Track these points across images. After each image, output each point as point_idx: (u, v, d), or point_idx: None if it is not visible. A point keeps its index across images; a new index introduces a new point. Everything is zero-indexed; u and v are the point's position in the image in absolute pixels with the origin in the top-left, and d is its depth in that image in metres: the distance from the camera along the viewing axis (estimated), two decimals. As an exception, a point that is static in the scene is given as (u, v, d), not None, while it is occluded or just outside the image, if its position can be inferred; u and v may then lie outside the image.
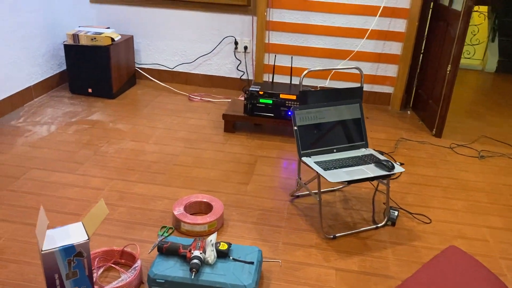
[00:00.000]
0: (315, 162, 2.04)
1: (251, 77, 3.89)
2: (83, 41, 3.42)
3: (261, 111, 3.04)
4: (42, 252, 1.32)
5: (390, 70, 3.66)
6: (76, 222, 2.09)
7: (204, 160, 2.74)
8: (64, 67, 3.83)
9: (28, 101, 3.43)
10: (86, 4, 3.85)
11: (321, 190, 2.41)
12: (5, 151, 2.69)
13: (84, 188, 2.37)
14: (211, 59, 3.90)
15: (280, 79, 3.78)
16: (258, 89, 3.01)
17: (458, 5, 3.00)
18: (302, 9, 3.56)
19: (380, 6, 3.43)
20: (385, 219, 2.19)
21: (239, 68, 3.87)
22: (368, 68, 3.67)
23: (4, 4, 3.06)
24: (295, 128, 2.09)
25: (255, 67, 3.77)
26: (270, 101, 3.01)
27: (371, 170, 1.99)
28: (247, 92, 3.01)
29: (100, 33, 3.44)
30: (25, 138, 2.87)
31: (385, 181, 2.16)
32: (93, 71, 3.51)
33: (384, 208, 2.31)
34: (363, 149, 2.22)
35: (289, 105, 2.99)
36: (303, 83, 3.71)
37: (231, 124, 3.13)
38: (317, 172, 1.98)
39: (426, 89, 3.48)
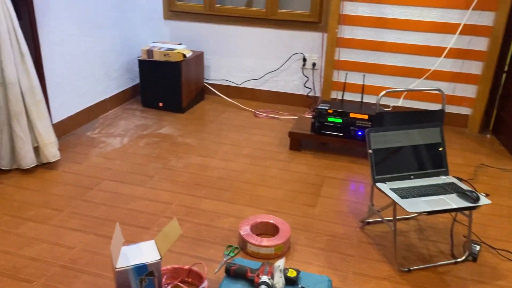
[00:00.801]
0: (391, 189, 1.93)
1: (318, 94, 3.82)
2: (157, 57, 3.54)
3: (330, 130, 2.95)
4: (116, 269, 1.33)
5: (469, 90, 3.43)
6: (145, 235, 2.12)
7: (269, 179, 2.70)
8: (137, 81, 3.98)
9: (103, 113, 3.58)
10: (160, 21, 3.98)
11: (391, 218, 2.27)
12: (81, 162, 2.81)
13: (154, 201, 2.41)
14: (278, 76, 3.89)
15: (349, 97, 3.68)
16: (327, 107, 2.93)
17: (551, 23, 2.75)
18: (375, 26, 3.45)
19: (460, 24, 3.24)
20: (466, 254, 2.01)
21: (306, 85, 3.81)
22: (444, 87, 3.47)
23: (87, 21, 3.23)
24: (370, 151, 1.99)
25: (323, 84, 3.70)
26: (339, 120, 2.92)
27: (453, 201, 1.84)
28: (315, 110, 2.94)
29: (173, 49, 3.54)
30: (99, 150, 2.99)
31: (467, 213, 2.00)
32: (164, 86, 3.61)
33: (464, 241, 2.13)
34: (443, 177, 2.07)
35: (360, 124, 2.88)
36: (374, 102, 3.58)
37: (297, 142, 3.07)
38: (393, 200, 1.86)
39: (509, 111, 3.22)
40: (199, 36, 3.94)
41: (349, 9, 3.46)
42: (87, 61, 3.30)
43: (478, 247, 2.05)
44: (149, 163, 2.83)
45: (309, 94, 3.84)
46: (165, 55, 3.52)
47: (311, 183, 2.66)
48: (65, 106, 3.15)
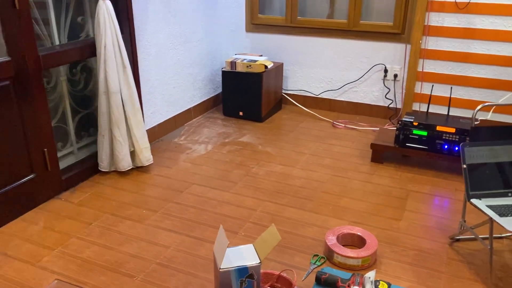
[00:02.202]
0: (487, 206, 1.86)
1: (399, 106, 3.75)
2: (239, 68, 3.67)
3: (414, 142, 2.90)
4: (220, 270, 1.41)
5: None
6: (234, 239, 2.21)
7: (351, 190, 2.70)
8: (218, 91, 4.15)
9: (188, 121, 3.78)
10: (242, 34, 4.14)
11: (484, 236, 2.19)
12: (171, 166, 2.99)
13: (239, 207, 2.51)
14: (357, 87, 3.87)
15: (432, 109, 3.58)
16: (412, 120, 2.88)
17: None
18: (461, 37, 3.34)
19: (560, 33, 3.06)
20: None
21: (387, 96, 3.77)
22: (538, 101, 3.28)
23: (178, 35, 3.44)
24: (464, 166, 1.94)
25: (405, 95, 3.64)
26: (424, 133, 2.85)
27: (558, 222, 1.75)
28: (400, 121, 2.90)
29: (255, 61, 3.66)
30: (186, 155, 3.16)
31: None
32: (245, 95, 3.74)
33: None
34: (544, 196, 1.96)
35: (446, 138, 2.80)
36: (459, 115, 3.45)
37: (380, 154, 3.04)
38: (490, 217, 1.80)
39: None
40: (279, 47, 4.03)
41: (435, 20, 3.38)
42: (176, 72, 3.51)
43: None
44: (233, 170, 2.94)
45: (390, 106, 3.78)
46: (247, 66, 3.64)
47: (395, 196, 2.63)
48: (156, 114, 3.36)
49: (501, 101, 3.33)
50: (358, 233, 2.12)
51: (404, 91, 3.66)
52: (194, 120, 3.84)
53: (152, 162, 2.94)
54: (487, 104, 2.01)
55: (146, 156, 2.86)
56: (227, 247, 1.44)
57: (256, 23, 4.03)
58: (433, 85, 3.21)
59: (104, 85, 2.66)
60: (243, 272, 1.44)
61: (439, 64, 3.48)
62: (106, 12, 2.55)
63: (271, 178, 2.84)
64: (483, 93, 3.40)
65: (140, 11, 3.01)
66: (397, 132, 2.94)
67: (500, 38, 3.24)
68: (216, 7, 3.92)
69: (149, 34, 3.13)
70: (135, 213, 2.44)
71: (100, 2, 2.54)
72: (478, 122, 3.38)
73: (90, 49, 2.69)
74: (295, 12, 3.85)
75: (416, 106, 3.66)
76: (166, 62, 3.38)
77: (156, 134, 3.39)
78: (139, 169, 2.92)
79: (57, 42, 2.65)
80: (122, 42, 2.65)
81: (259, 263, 1.45)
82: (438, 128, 2.81)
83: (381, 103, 3.84)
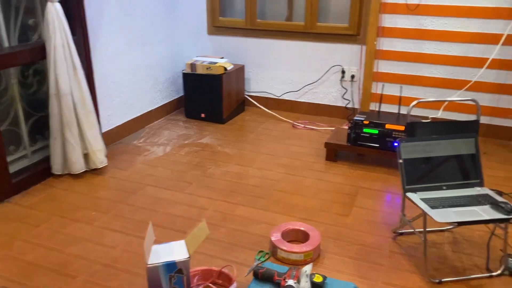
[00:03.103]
0: (421, 199, 1.92)
1: (357, 106, 3.83)
2: (199, 70, 3.70)
3: (366, 141, 2.96)
4: (148, 265, 1.43)
5: (514, 102, 3.33)
6: (182, 238, 2.22)
7: (304, 188, 2.74)
8: (181, 94, 4.17)
9: (149, 123, 3.78)
10: (204, 36, 4.16)
11: (428, 229, 2.25)
12: (126, 168, 2.99)
13: (191, 206, 2.52)
14: (317, 88, 3.94)
15: (388, 108, 3.67)
16: (363, 119, 2.95)
17: None
18: (414, 38, 3.43)
19: (503, 34, 3.17)
20: (502, 268, 1.96)
21: (345, 96, 3.84)
22: (487, 99, 3.38)
23: (137, 37, 3.44)
24: (400, 161, 2.00)
25: (362, 96, 3.71)
26: (375, 131, 2.92)
27: (485, 212, 1.82)
28: (351, 121, 2.97)
29: (215, 63, 3.69)
30: (144, 157, 3.16)
31: (502, 225, 1.95)
32: (206, 97, 3.76)
33: (501, 255, 2.07)
34: (478, 188, 2.03)
35: (396, 135, 2.88)
36: (412, 114, 3.54)
37: (333, 153, 3.10)
38: (422, 210, 1.86)
39: (558, 124, 3.09)
40: (240, 50, 4.07)
41: (388, 21, 3.47)
42: (135, 74, 3.51)
43: (515, 262, 1.99)
44: (189, 171, 2.96)
45: (348, 106, 3.86)
46: (207, 68, 3.67)
47: (345, 193, 2.68)
48: (114, 117, 3.36)
49: (450, 98, 3.43)
50: (302, 228, 2.15)
51: (361, 91, 3.74)
52: (155, 122, 3.85)
53: (107, 164, 2.94)
54: (421, 100, 2.07)
55: (99, 158, 2.86)
56: (159, 243, 1.46)
57: (218, 25, 4.07)
58: (383, 84, 3.29)
59: (54, 87, 2.65)
60: (172, 268, 1.45)
61: (394, 64, 3.56)
62: (55, 14, 2.54)
63: (227, 178, 2.87)
64: (435, 92, 3.50)
65: (95, 13, 3.01)
66: (349, 131, 3.00)
67: (450, 38, 3.34)
68: (177, 10, 3.94)
69: (104, 36, 3.13)
70: (85, 215, 2.43)
71: (49, 5, 2.54)
72: (429, 120, 3.47)
73: (41, 51, 2.68)
74: (254, 14, 3.90)
75: (373, 106, 3.73)
76: (124, 65, 3.38)
77: (115, 136, 3.38)
78: (93, 171, 2.91)
79: (6, 45, 2.63)
80: (72, 43, 2.64)
81: (188, 258, 1.47)
82: (388, 126, 2.88)
83: (339, 104, 3.91)
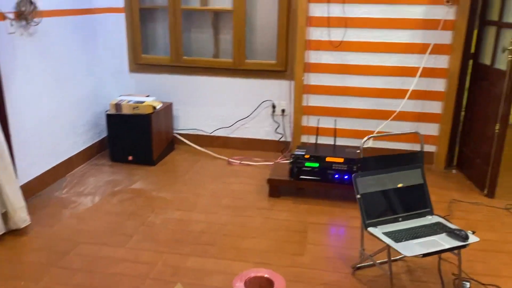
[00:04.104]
0: (383, 233, 1.94)
1: (289, 139, 3.87)
2: (125, 110, 3.48)
3: (307, 174, 2.98)
4: None
5: (432, 129, 3.60)
6: (133, 302, 1.99)
7: (253, 229, 2.65)
8: (103, 136, 3.88)
9: (70, 171, 3.43)
10: (125, 74, 3.96)
11: (384, 260, 2.28)
12: (53, 224, 2.65)
13: (136, 263, 2.29)
14: (248, 123, 3.92)
15: (319, 140, 3.75)
16: (303, 153, 2.97)
17: (502, 65, 2.98)
18: (339, 73, 3.59)
19: (419, 67, 3.44)
20: (458, 292, 2.04)
21: (277, 130, 3.86)
22: (408, 127, 3.63)
23: (55, 77, 3.15)
24: (358, 196, 2.02)
25: (294, 129, 3.76)
26: (316, 165, 2.95)
27: (444, 241, 1.88)
28: (292, 155, 2.97)
29: (142, 102, 3.50)
30: (71, 210, 2.84)
31: (455, 251, 2.04)
32: (134, 139, 3.53)
33: (454, 279, 2.16)
34: (429, 217, 2.12)
35: (336, 168, 2.93)
36: (339, 143, 3.66)
37: (276, 189, 3.06)
38: (387, 244, 1.88)
39: (471, 147, 3.40)
40: (166, 87, 3.93)
41: (314, 57, 3.59)
42: (54, 117, 3.19)
43: (468, 284, 2.08)
44: (126, 221, 2.71)
45: (281, 140, 3.88)
46: (134, 108, 3.47)
47: (295, 231, 2.64)
48: (32, 167, 2.99)
49: (379, 128, 3.62)
50: (266, 275, 2.05)
51: (292, 125, 3.79)
52: (77, 169, 3.51)
53: (30, 222, 2.58)
54: (373, 136, 2.13)
55: (21, 217, 2.50)
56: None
57: (140, 63, 3.89)
58: (319, 119, 3.37)
59: (-37, 140, 2.29)
60: None
61: (322, 98, 3.68)
62: (-38, 56, 2.22)
63: (170, 226, 2.68)
64: (362, 122, 3.67)
65: (7, 55, 2.69)
66: (290, 165, 3.00)
67: (372, 72, 3.55)
68: (96, 48, 3.70)
69: (19, 79, 2.81)
70: (11, 286, 2.08)
71: (-45, 45, 2.21)
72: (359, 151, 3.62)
73: None
74: (180, 51, 3.80)
75: (304, 138, 3.80)
76: (42, 108, 3.06)
77: (33, 189, 3.01)
78: (14, 232, 2.53)
79: None
80: (-15, 89, 2.32)
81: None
82: (328, 159, 2.93)
83: (272, 137, 3.92)
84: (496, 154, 3.00)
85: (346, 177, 2.93)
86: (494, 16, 3.14)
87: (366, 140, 2.11)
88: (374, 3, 3.39)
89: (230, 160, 3.74)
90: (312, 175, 2.97)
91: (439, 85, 3.49)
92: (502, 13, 3.00)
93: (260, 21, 3.78)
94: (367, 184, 2.04)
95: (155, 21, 3.96)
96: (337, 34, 3.50)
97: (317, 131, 3.10)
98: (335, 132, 3.06)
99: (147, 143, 3.53)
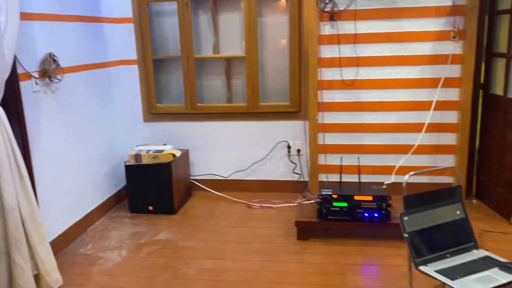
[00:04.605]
0: (436, 271, 1.92)
1: (306, 179, 3.87)
2: (145, 160, 3.47)
3: (336, 215, 2.97)
4: None
5: (448, 161, 3.64)
6: None
7: (289, 274, 2.61)
8: (120, 187, 3.84)
9: (91, 225, 3.37)
10: (140, 124, 3.97)
11: (430, 298, 2.25)
12: (84, 283, 2.57)
13: (179, 319, 2.22)
14: (264, 164, 3.93)
15: (335, 178, 3.76)
16: (331, 193, 2.97)
17: (516, 94, 3.07)
18: (353, 110, 3.65)
19: (432, 101, 3.52)
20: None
21: (295, 171, 3.87)
22: (425, 160, 3.66)
23: (75, 133, 3.14)
24: (406, 235, 2.01)
25: (310, 168, 3.77)
26: (345, 204, 2.95)
27: (499, 275, 1.87)
28: (320, 196, 2.97)
29: (161, 151, 3.50)
30: (100, 266, 2.77)
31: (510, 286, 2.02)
32: (154, 188, 3.50)
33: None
34: (475, 251, 2.11)
35: (365, 206, 2.93)
36: (375, 182, 3.64)
37: (305, 231, 3.04)
38: (442, 282, 1.85)
39: (490, 176, 3.44)
40: (181, 134, 3.95)
41: (327, 96, 3.66)
42: (76, 173, 3.17)
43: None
44: (159, 275, 2.65)
45: (299, 180, 3.88)
46: (154, 157, 3.46)
47: (332, 273, 2.60)
48: (56, 225, 2.94)
49: (400, 162, 3.65)
50: (319, 324, 2.01)
51: (308, 164, 3.81)
52: (97, 223, 3.45)
53: (62, 283, 2.50)
54: (416, 172, 2.15)
55: (54, 278, 2.43)
56: None
57: (155, 112, 3.92)
58: (342, 157, 3.39)
59: (-3, 202, 2.25)
60: None
61: (337, 136, 3.72)
62: (-4, 119, 2.21)
63: (204, 276, 2.62)
64: (379, 158, 3.70)
65: (33, 113, 2.70)
66: (318, 206, 2.98)
67: (385, 108, 3.62)
68: (111, 99, 3.73)
69: (43, 137, 2.80)
70: None
71: (-12, 108, 2.21)
72: (385, 187, 3.63)
73: (-25, 161, 2.28)
74: (195, 99, 3.85)
75: (322, 177, 3.80)
76: (64, 164, 3.04)
77: (57, 247, 2.93)
78: (46, 295, 2.46)
79: None
80: (18, 150, 2.31)
81: None
82: (356, 197, 2.93)
83: (288, 178, 3.92)
84: (519, 182, 3.04)
85: (376, 215, 2.92)
86: (502, 48, 3.26)
87: (408, 178, 2.12)
88: (383, 42, 3.50)
89: (250, 203, 3.72)
90: (341, 215, 2.96)
91: (452, 117, 3.57)
92: (510, 46, 3.11)
93: (272, 64, 3.86)
94: (413, 222, 2.04)
95: (168, 71, 4.02)
96: (349, 73, 3.59)
97: (341, 170, 3.11)
98: (359, 170, 3.07)
99: (168, 191, 3.50)
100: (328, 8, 3.49)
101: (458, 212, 2.15)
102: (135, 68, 3.88)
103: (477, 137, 3.64)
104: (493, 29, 3.36)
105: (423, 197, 2.14)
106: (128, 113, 3.94)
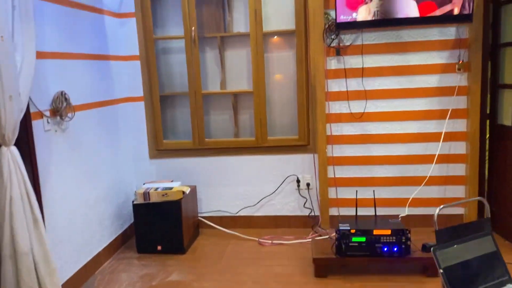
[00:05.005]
0: (476, 309, 1.86)
1: (317, 213, 3.81)
2: (154, 198, 3.38)
3: (355, 250, 2.90)
4: None
5: (459, 192, 3.63)
6: None
7: (313, 314, 2.51)
8: (125, 226, 3.73)
9: (99, 267, 3.24)
10: (146, 161, 3.91)
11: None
12: (98, 332, 2.44)
13: None
14: (273, 199, 3.86)
15: (346, 212, 3.72)
16: (348, 228, 2.91)
17: (525, 124, 3.10)
18: (362, 143, 3.65)
19: (441, 132, 3.54)
20: None
21: (306, 205, 3.81)
22: (435, 191, 3.64)
23: (84, 172, 3.06)
24: (441, 271, 1.95)
25: (321, 202, 3.72)
26: (363, 239, 2.89)
27: (542, 311, 1.81)
28: (338, 231, 2.91)
29: (170, 188, 3.43)
30: (113, 312, 2.64)
31: (547, 320, 1.97)
32: (163, 227, 3.40)
33: None
34: (510, 285, 2.06)
35: (384, 240, 2.87)
36: (392, 214, 3.58)
37: (323, 268, 2.95)
38: (484, 321, 1.79)
39: (503, 206, 3.42)
40: (188, 170, 3.88)
41: (335, 129, 3.66)
42: (83, 213, 3.07)
43: None
44: (176, 320, 2.52)
45: (310, 215, 3.82)
46: (163, 195, 3.38)
47: (357, 312, 2.51)
48: (65, 268, 2.81)
49: (412, 195, 3.62)
50: None
51: (318, 198, 3.76)
52: (105, 264, 3.32)
53: (76, 332, 2.37)
54: (444, 206, 2.11)
55: (68, 327, 2.30)
56: None
57: (161, 149, 3.86)
58: (357, 190, 3.35)
59: (9, 247, 2.14)
60: None
61: (347, 169, 3.70)
62: (11, 160, 2.14)
63: (223, 319, 2.50)
64: (390, 190, 3.67)
65: (44, 153, 2.62)
66: (337, 242, 2.92)
67: (394, 140, 3.62)
68: (118, 137, 3.67)
69: (53, 177, 2.72)
70: None
71: (4, 150, 2.14)
72: (399, 219, 3.59)
73: (-13, 204, 2.18)
74: (202, 134, 3.81)
75: (333, 211, 3.75)
76: (74, 205, 2.94)
77: (66, 292, 2.80)
78: None
79: None
80: (32, 192, 2.23)
81: None
82: (375, 232, 2.87)
83: (298, 213, 3.86)
84: (535, 211, 3.03)
85: (395, 249, 2.86)
86: (507, 79, 3.32)
87: (439, 210, 2.09)
88: (390, 75, 3.55)
89: (261, 240, 3.63)
90: (360, 250, 2.89)
91: (460, 147, 3.58)
92: (517, 77, 3.18)
93: (279, 99, 3.87)
94: (446, 257, 1.99)
95: (174, 107, 4.00)
96: (357, 106, 3.60)
97: (356, 203, 3.07)
98: (374, 203, 3.04)
99: (177, 230, 3.40)
100: (334, 44, 3.54)
101: (489, 245, 2.11)
102: (141, 105, 3.84)
103: (486, 168, 3.65)
104: (497, 61, 3.43)
105: (454, 231, 2.10)
106: (135, 151, 3.88)
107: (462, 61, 3.44)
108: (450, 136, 3.57)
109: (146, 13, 3.69)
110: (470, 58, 3.41)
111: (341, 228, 2.92)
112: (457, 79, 3.50)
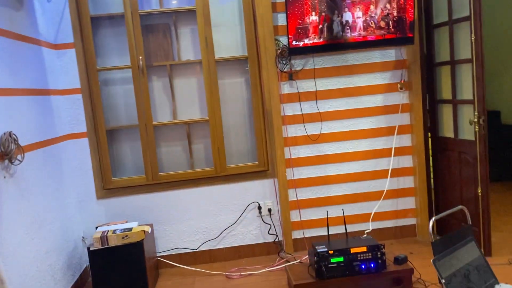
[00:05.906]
0: (482, 313, 1.94)
1: (280, 238, 3.77)
2: (113, 242, 3.09)
3: (334, 271, 2.89)
4: None
5: (409, 202, 3.84)
6: None
7: None
8: (76, 277, 3.35)
9: (55, 329, 2.85)
10: (93, 202, 3.58)
11: None
12: None
13: None
14: (235, 229, 3.75)
15: (311, 233, 3.74)
16: (326, 249, 2.91)
17: (468, 135, 3.38)
18: (318, 164, 3.72)
19: (391, 148, 3.74)
20: None
21: (270, 232, 3.75)
22: (389, 204, 3.82)
23: (30, 222, 2.70)
24: (443, 281, 2.02)
25: (284, 226, 3.70)
26: (341, 259, 2.90)
27: (538, 306, 1.95)
28: (316, 254, 2.89)
29: (129, 229, 3.16)
30: None
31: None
32: (124, 272, 3.11)
33: None
34: (497, 286, 2.18)
35: (361, 258, 2.91)
36: (335, 232, 3.65)
37: (304, 294, 2.90)
38: (493, 323, 1.87)
39: (452, 213, 3.67)
40: (142, 208, 3.62)
41: (293, 152, 3.69)
42: (36, 268, 2.69)
43: None
44: None
45: (276, 241, 3.76)
46: (123, 237, 3.10)
47: (351, 334, 2.49)
48: (22, 335, 2.42)
49: (374, 210, 3.74)
50: None
51: (281, 222, 3.73)
52: (61, 324, 2.93)
53: None
54: (437, 217, 2.20)
55: None
56: None
57: (110, 187, 3.57)
58: (327, 211, 3.39)
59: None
60: None
61: (307, 190, 3.73)
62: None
63: None
64: (351, 207, 3.77)
65: (-7, 202, 2.27)
66: (316, 265, 2.89)
67: (347, 159, 3.74)
68: (62, 179, 3.33)
69: (3, 230, 2.36)
70: None
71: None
72: (365, 235, 3.67)
73: None
74: (156, 168, 3.60)
75: (295, 234, 3.74)
76: (26, 260, 2.57)
77: None
78: None
79: None
80: (-6, 250, 1.89)
81: None
82: (352, 250, 2.90)
83: (261, 240, 3.78)
84: (484, 214, 3.29)
85: (372, 265, 2.91)
86: (446, 95, 3.62)
87: (431, 225, 2.17)
88: (339, 97, 3.69)
89: (228, 274, 3.48)
90: (339, 270, 2.89)
91: (407, 161, 3.81)
92: (455, 93, 3.48)
93: (235, 125, 3.80)
94: (444, 267, 2.06)
95: (121, 141, 3.73)
96: (312, 128, 3.68)
97: (327, 224, 3.08)
98: (344, 222, 3.08)
99: (140, 274, 3.13)
100: (286, 69, 3.61)
101: (474, 251, 2.23)
102: (85, 141, 3.53)
103: (432, 178, 3.92)
104: (433, 79, 3.74)
105: (445, 241, 2.20)
106: (80, 192, 3.54)
107: (404, 80, 3.70)
108: (398, 151, 3.78)
109: (87, 43, 3.44)
110: (410, 78, 3.68)
111: (319, 250, 2.91)
112: (400, 97, 3.74)
